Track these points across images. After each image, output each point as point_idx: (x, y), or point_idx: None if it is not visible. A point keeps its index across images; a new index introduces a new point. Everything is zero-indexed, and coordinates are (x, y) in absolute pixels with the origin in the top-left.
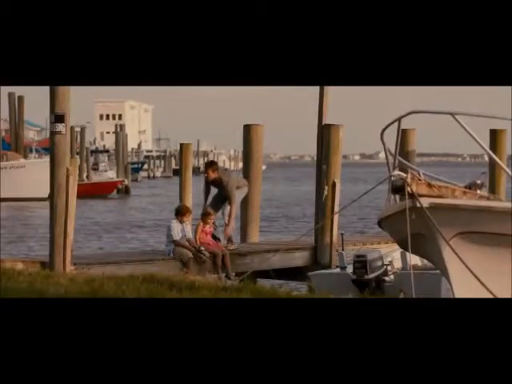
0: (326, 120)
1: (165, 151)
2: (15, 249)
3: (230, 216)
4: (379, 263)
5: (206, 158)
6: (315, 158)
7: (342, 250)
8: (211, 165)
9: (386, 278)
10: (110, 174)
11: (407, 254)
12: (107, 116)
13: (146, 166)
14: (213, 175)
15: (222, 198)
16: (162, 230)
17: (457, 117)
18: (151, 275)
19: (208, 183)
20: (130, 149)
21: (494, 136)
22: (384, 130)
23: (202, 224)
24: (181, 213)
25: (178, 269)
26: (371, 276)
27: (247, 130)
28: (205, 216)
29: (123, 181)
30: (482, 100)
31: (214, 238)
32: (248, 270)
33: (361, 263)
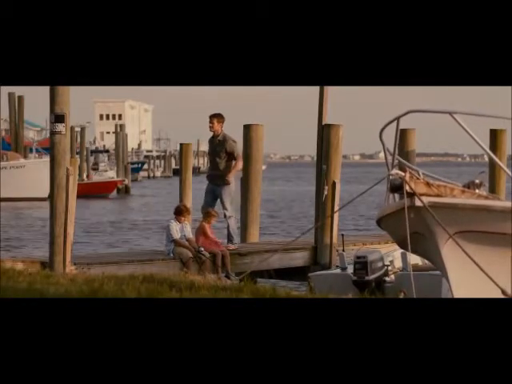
0: (326, 120)
1: (165, 151)
2: (15, 249)
3: (234, 167)
4: (380, 264)
5: (205, 158)
6: (315, 158)
7: (343, 250)
8: (219, 116)
9: (387, 279)
10: (110, 174)
11: (408, 254)
12: (107, 116)
13: (146, 166)
14: (217, 127)
15: (214, 196)
16: (157, 231)
17: (455, 116)
18: (151, 275)
19: (211, 142)
20: (130, 149)
21: (494, 136)
22: (382, 129)
23: (206, 225)
24: (180, 213)
25: (177, 269)
26: (372, 277)
27: (247, 129)
28: (207, 216)
29: (123, 181)
30: (482, 100)
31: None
32: (247, 270)
33: (361, 264)
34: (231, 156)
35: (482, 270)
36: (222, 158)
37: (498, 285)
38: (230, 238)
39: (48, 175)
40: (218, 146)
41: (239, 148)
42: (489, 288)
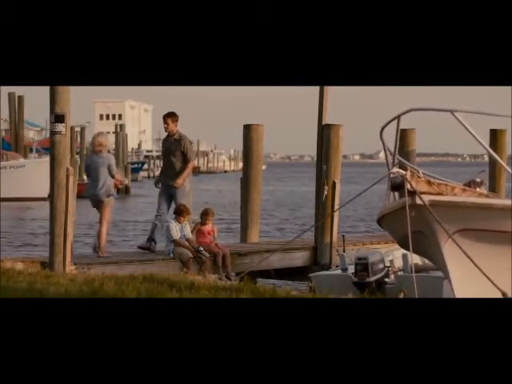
0: (326, 120)
1: None
2: (15, 249)
3: (185, 170)
4: (381, 265)
5: (205, 158)
6: (315, 158)
7: (344, 251)
8: (172, 114)
9: (387, 280)
10: None
11: (408, 255)
12: (107, 116)
13: (146, 166)
14: (172, 126)
15: (169, 197)
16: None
17: (456, 114)
18: (151, 275)
19: (166, 141)
20: (130, 149)
21: (494, 136)
22: (383, 128)
23: (200, 226)
24: (180, 213)
25: (177, 269)
26: (373, 279)
27: (247, 129)
28: (202, 215)
29: (123, 180)
30: (482, 100)
31: None
32: (245, 270)
33: (362, 266)
34: (185, 157)
35: (481, 271)
36: (176, 157)
37: (497, 287)
38: (153, 238)
39: (48, 175)
40: (174, 144)
41: (193, 150)
42: (490, 286)
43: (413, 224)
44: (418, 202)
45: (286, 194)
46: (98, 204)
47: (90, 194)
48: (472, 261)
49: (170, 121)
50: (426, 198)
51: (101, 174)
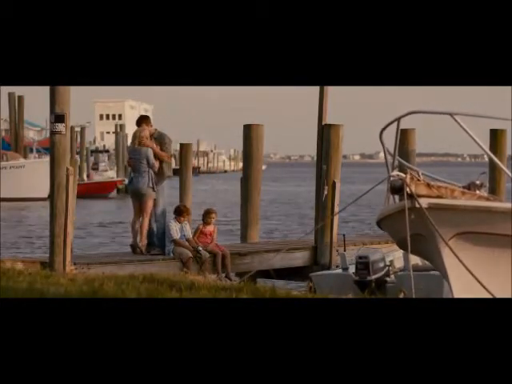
0: (326, 120)
1: None
2: (15, 249)
3: (162, 153)
4: (381, 264)
5: (205, 158)
6: (315, 158)
7: (344, 250)
8: (145, 118)
9: (388, 279)
10: (110, 174)
11: (409, 254)
12: (107, 116)
13: None
14: (149, 128)
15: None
16: None
17: (456, 117)
18: (151, 275)
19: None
20: None
21: (494, 136)
22: (383, 130)
23: (202, 224)
24: (180, 213)
25: (177, 269)
26: (373, 277)
27: (247, 129)
28: (204, 215)
29: (123, 180)
30: (482, 100)
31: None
32: (251, 270)
33: (363, 264)
34: (163, 151)
35: (475, 277)
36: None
37: (490, 292)
38: (151, 242)
39: (48, 175)
40: (155, 142)
41: (172, 148)
42: (489, 289)
43: (412, 227)
44: (418, 205)
45: (285, 193)
46: (139, 197)
47: (132, 187)
48: (465, 266)
49: (144, 125)
50: (425, 202)
51: (142, 168)
